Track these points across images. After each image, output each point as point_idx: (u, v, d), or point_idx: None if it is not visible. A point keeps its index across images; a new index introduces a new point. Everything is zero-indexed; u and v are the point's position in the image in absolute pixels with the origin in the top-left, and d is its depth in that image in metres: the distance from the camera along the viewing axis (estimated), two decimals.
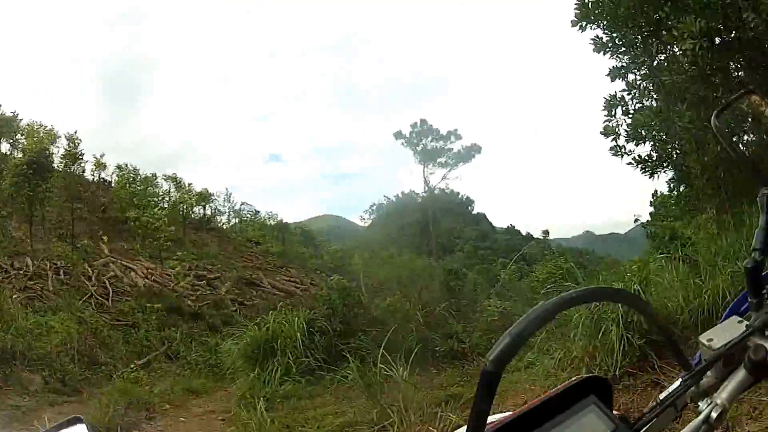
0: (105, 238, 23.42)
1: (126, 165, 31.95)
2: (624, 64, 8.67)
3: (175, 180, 37.85)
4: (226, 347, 11.95)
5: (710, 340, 0.83)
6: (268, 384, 8.79)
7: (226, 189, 44.27)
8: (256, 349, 9.56)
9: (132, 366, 13.14)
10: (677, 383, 0.82)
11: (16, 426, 7.86)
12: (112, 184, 31.98)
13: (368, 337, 9.36)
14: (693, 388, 0.80)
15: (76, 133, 26.26)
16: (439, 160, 49.18)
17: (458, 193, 57.83)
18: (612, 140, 8.54)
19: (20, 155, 21.26)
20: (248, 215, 43.40)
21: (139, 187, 31.09)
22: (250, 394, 8.59)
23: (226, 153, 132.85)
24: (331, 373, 8.70)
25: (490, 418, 0.66)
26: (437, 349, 8.81)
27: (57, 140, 26.38)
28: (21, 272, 15.55)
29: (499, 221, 62.34)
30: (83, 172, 29.70)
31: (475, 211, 60.07)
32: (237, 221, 42.63)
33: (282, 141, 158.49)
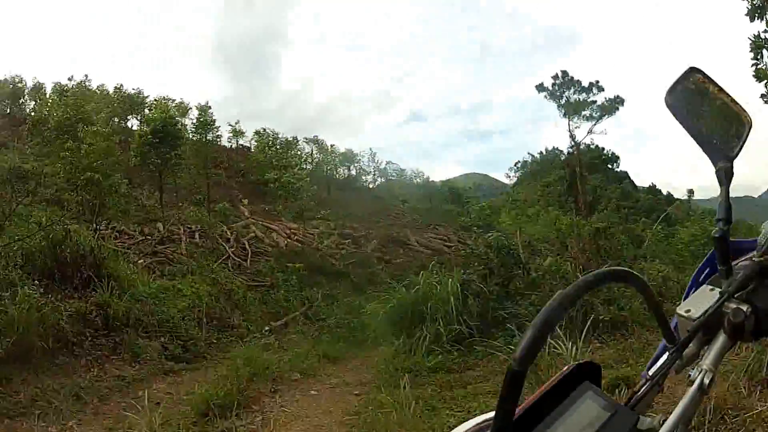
0: (245, 201, 23.25)
1: (264, 129, 31.94)
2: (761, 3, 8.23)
3: (317, 142, 37.73)
4: (370, 309, 10.75)
5: (688, 311, 0.83)
6: (414, 353, 7.80)
7: (370, 149, 43.77)
8: (403, 313, 8.68)
9: (266, 329, 11.97)
10: (664, 357, 0.83)
11: (115, 399, 6.50)
12: (251, 150, 32.22)
13: (526, 301, 8.32)
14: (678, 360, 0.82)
15: (207, 103, 26.42)
16: (583, 113, 44.77)
17: (603, 149, 53.09)
18: (765, 85, 8.17)
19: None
20: (394, 174, 42.73)
21: (279, 150, 30.90)
22: (393, 366, 7.51)
23: (367, 114, 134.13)
24: (485, 343, 7.47)
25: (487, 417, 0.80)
26: (600, 318, 7.31)
27: (188, 112, 26.83)
28: (150, 238, 15.13)
29: (640, 180, 57.33)
30: (218, 139, 30.09)
31: (618, 169, 54.53)
32: (383, 180, 42.13)
33: (422, 100, 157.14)
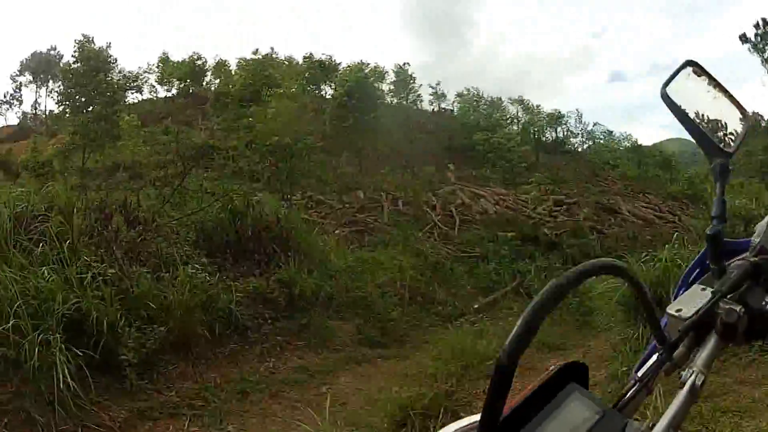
0: (451, 165, 21.83)
1: (468, 90, 30.10)
2: None
3: (521, 102, 35.03)
4: (599, 288, 8.36)
5: (679, 310, 0.81)
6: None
7: (576, 110, 39.83)
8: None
9: (475, 306, 10.23)
10: (653, 359, 0.81)
11: (290, 396, 5.31)
12: (454, 113, 30.67)
13: None
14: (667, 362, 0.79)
15: (404, 65, 25.26)
16: None
17: None
18: None
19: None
20: (602, 137, 38.68)
21: (484, 111, 28.98)
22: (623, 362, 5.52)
23: (564, 74, 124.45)
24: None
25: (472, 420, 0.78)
26: None
27: (385, 76, 25.98)
28: (349, 206, 14.33)
29: None
30: (419, 102, 28.92)
31: None
32: (590, 143, 38.48)
33: (622, 57, 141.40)
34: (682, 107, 0.94)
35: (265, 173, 13.24)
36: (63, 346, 4.66)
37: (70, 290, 5.15)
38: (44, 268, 5.01)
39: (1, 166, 21.62)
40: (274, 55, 32.58)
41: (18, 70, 37.50)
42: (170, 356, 5.15)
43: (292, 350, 6.48)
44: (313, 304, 7.38)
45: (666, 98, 0.94)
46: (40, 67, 36.06)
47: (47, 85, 35.02)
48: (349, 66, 27.38)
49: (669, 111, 0.95)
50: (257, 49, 32.48)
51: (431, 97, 30.60)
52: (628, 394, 0.78)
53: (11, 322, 4.61)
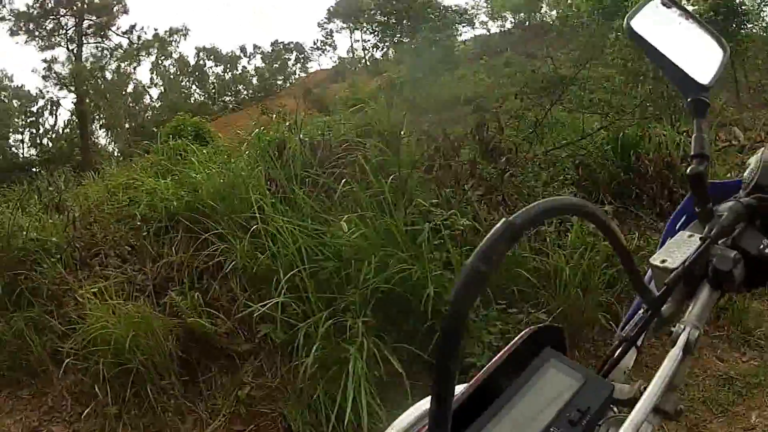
0: None
1: None
2: None
3: None
4: None
5: (664, 261, 0.74)
6: None
7: None
8: None
9: None
10: (638, 316, 0.74)
11: None
12: None
13: None
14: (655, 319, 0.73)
15: None
16: None
17: None
18: None
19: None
20: None
21: None
22: None
23: None
24: None
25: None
26: None
27: None
28: (730, 144, 10.47)
29: None
30: None
31: None
32: None
33: None
34: (650, 41, 0.85)
35: (635, 102, 10.40)
36: (366, 331, 3.11)
37: (391, 249, 3.36)
38: (347, 215, 3.43)
39: (314, 105, 22.13)
40: None
41: (326, 18, 39.44)
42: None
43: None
44: None
45: (631, 31, 0.88)
46: (350, 12, 37.26)
47: (361, 29, 36.24)
48: None
49: (637, 45, 0.88)
50: None
51: None
52: (614, 356, 0.72)
53: (282, 295, 3.09)
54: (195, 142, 6.59)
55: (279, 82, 34.15)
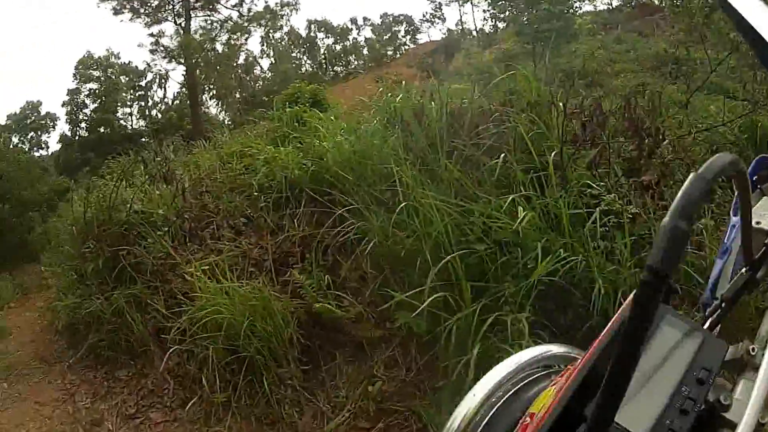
0: None
1: None
2: None
3: None
4: None
5: (758, 223, 0.75)
6: None
7: None
8: None
9: None
10: (738, 276, 0.73)
11: None
12: None
13: None
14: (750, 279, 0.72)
15: None
16: None
17: None
18: None
19: None
20: None
21: None
22: None
23: None
24: None
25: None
26: None
27: None
28: None
29: None
30: None
31: None
32: None
33: None
34: (741, 12, 0.79)
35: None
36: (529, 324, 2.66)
37: (553, 235, 2.90)
38: (499, 192, 3.00)
39: (431, 74, 21.60)
40: None
41: None
42: None
43: None
44: None
45: (723, 1, 0.83)
46: None
47: (472, 1, 35.40)
48: None
49: (727, 15, 0.83)
50: None
51: None
52: (715, 315, 0.71)
53: (429, 283, 2.73)
54: (313, 109, 6.27)
55: (389, 53, 34.18)
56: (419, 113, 3.73)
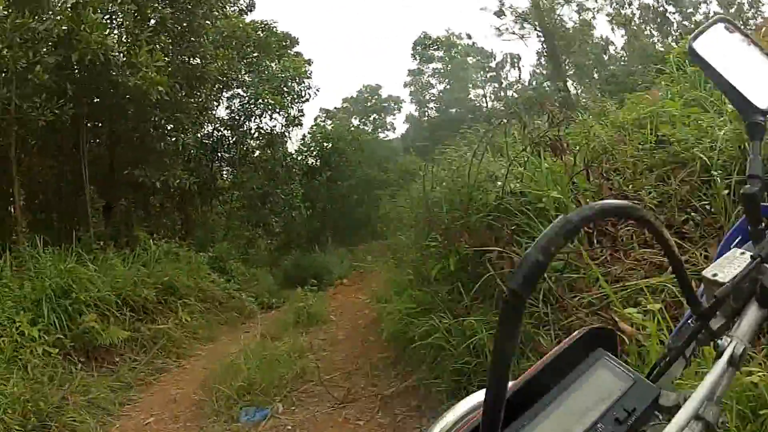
0: None
1: None
2: None
3: None
4: None
5: (715, 275, 0.74)
6: None
7: None
8: None
9: None
10: (687, 327, 0.74)
11: None
12: None
13: None
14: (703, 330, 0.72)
15: None
16: None
17: None
18: None
19: None
20: None
21: None
22: None
23: None
24: None
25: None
26: None
27: None
28: None
29: None
30: None
31: None
32: None
33: None
34: (711, 63, 0.88)
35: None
36: None
37: None
38: None
39: None
40: None
41: None
42: None
43: None
44: None
45: (693, 53, 0.90)
46: None
47: None
48: None
49: (699, 67, 0.90)
50: None
51: None
52: (662, 363, 0.73)
53: None
54: None
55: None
56: None
